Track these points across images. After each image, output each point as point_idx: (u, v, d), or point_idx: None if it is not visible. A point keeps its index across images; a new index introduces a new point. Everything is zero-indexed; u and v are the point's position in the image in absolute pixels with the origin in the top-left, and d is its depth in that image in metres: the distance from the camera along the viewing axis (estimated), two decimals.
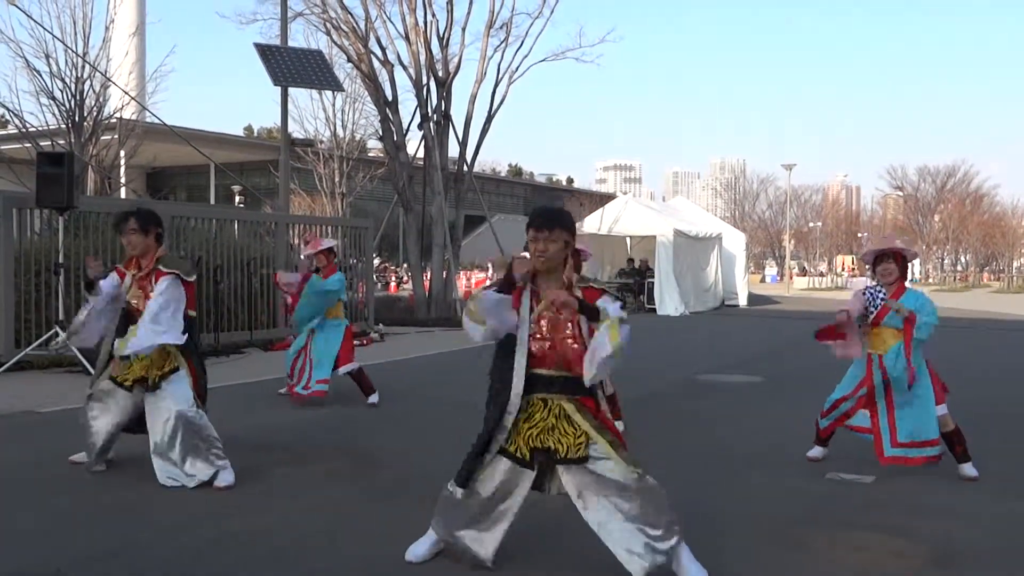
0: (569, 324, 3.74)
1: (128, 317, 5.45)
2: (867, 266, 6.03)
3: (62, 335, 8.72)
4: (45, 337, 10.16)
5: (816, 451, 6.20)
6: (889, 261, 5.71)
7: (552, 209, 3.95)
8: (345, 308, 8.70)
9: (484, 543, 3.88)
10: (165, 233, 5.60)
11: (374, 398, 8.36)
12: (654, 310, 23.34)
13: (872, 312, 5.76)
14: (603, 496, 3.71)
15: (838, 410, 5.95)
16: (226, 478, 5.27)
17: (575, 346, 3.73)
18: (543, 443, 3.74)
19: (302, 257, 8.83)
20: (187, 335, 5.35)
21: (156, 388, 5.32)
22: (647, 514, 3.66)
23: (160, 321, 5.20)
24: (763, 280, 61.75)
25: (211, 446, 5.32)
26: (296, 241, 15.09)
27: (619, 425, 6.84)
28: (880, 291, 5.77)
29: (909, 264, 5.94)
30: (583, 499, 3.76)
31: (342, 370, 8.25)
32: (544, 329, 3.76)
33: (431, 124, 19.90)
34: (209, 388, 5.56)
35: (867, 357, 5.81)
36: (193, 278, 5.47)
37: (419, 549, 4.02)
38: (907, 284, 5.84)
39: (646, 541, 3.65)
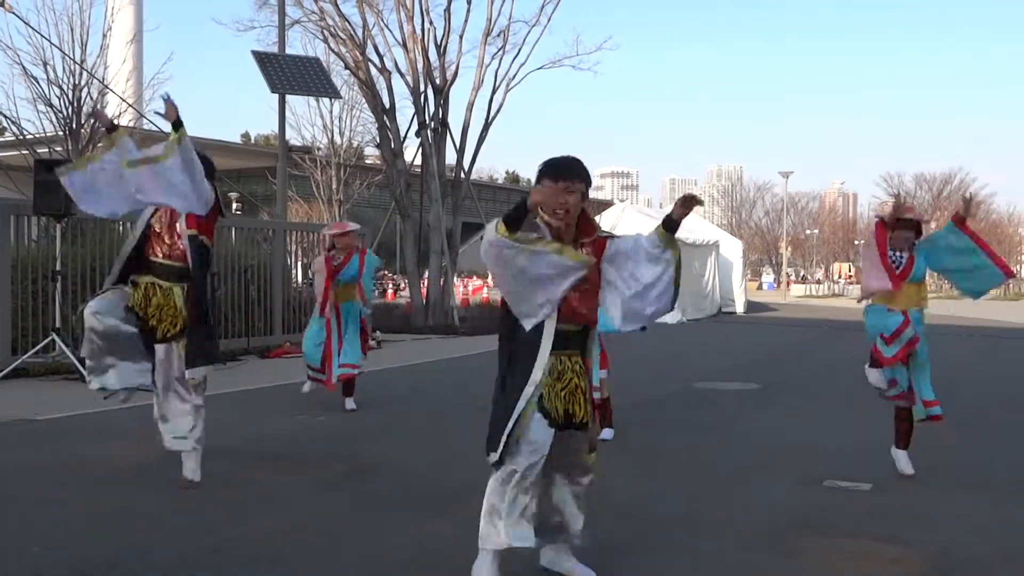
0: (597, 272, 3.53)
1: (143, 252, 5.30)
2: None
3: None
4: (42, 344, 10.15)
5: (903, 463, 5.99)
6: (909, 229, 5.82)
7: (574, 160, 3.53)
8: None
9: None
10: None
11: (351, 404, 8.31)
12: None
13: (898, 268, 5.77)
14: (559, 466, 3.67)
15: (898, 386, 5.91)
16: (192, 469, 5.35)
17: (591, 294, 3.54)
18: (569, 406, 3.57)
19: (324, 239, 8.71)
20: (201, 284, 5.27)
21: (165, 342, 5.27)
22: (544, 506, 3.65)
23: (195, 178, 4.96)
24: (760, 287, 61.78)
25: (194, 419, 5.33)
26: (293, 247, 15.09)
27: (608, 433, 6.88)
28: (901, 255, 5.83)
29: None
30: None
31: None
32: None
33: (428, 131, 19.91)
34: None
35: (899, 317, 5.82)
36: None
37: (482, 573, 3.63)
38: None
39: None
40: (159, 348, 5.27)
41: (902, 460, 5.92)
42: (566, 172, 3.41)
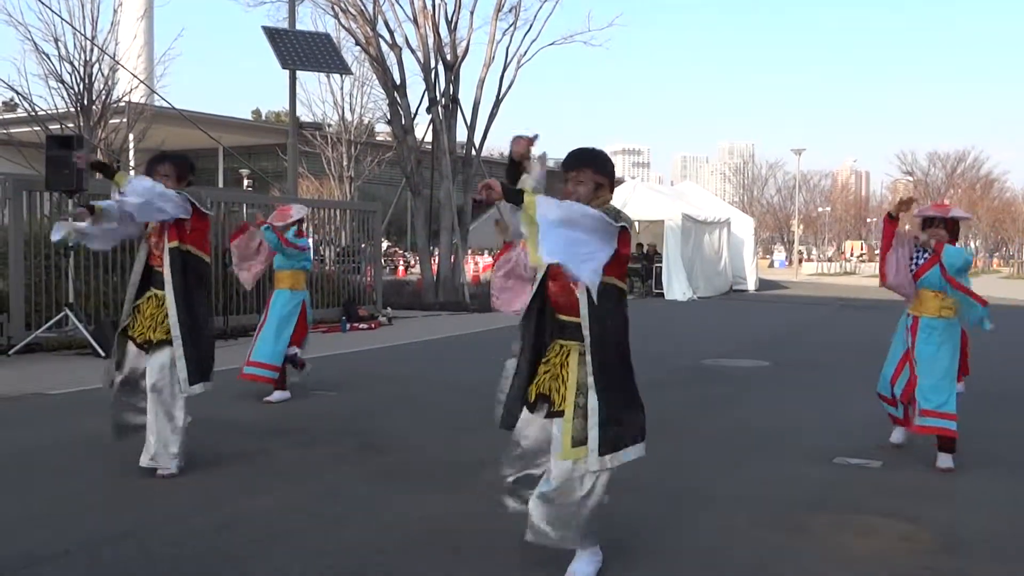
0: None
1: (147, 272, 5.18)
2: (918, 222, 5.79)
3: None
4: (55, 319, 10.22)
5: (897, 435, 6.02)
6: (940, 226, 5.54)
7: (584, 149, 3.60)
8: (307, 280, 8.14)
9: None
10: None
11: (281, 395, 7.64)
12: (662, 295, 23.33)
13: (915, 266, 5.60)
14: (548, 457, 3.52)
15: (896, 387, 5.74)
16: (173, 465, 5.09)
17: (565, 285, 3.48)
18: (547, 389, 3.55)
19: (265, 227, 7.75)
20: (197, 301, 5.13)
21: (151, 349, 5.08)
22: (557, 507, 3.47)
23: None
24: (771, 265, 61.59)
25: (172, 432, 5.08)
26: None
27: None
28: (919, 254, 5.60)
29: (960, 228, 5.79)
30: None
31: (291, 350, 7.75)
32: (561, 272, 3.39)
33: (439, 108, 19.85)
34: (218, 371, 5.51)
35: (908, 321, 5.69)
36: (210, 214, 5.19)
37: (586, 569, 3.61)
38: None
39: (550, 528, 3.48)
40: (152, 359, 5.07)
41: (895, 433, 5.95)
42: (577, 162, 3.48)
